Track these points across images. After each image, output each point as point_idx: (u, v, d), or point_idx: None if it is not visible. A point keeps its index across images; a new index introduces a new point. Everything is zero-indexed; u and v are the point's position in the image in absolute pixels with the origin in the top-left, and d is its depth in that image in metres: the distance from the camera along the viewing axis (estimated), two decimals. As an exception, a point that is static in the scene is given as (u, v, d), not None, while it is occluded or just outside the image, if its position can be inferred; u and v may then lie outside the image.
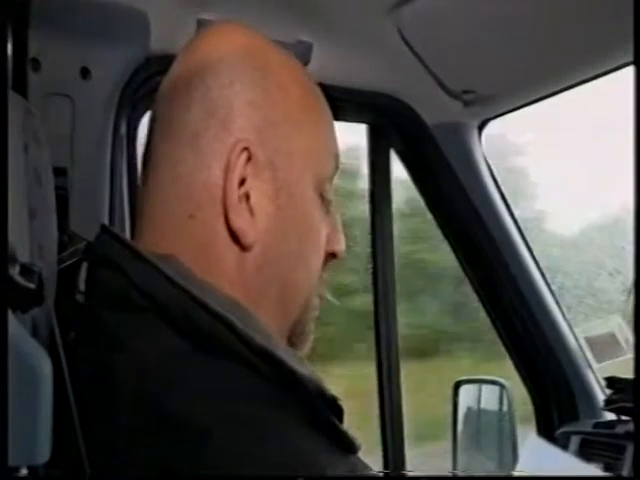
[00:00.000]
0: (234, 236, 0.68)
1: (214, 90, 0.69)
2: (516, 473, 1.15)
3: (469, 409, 1.64)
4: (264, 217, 0.69)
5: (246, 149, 0.68)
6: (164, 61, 0.75)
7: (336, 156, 0.77)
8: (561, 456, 1.20)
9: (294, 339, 0.75)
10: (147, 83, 1.22)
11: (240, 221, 0.67)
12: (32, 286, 0.54)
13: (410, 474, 1.64)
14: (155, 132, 0.72)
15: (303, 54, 1.37)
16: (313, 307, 0.76)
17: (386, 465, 1.65)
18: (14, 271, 0.53)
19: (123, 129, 1.24)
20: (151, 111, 0.75)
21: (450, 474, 1.63)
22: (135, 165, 1.29)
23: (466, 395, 1.65)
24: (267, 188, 0.69)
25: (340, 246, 0.78)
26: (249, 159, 0.68)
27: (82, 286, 0.67)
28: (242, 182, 0.68)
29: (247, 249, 0.68)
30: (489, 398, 1.62)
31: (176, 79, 0.72)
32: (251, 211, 0.68)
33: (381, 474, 0.61)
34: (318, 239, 0.74)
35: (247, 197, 0.68)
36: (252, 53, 0.72)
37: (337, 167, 0.77)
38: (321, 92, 0.77)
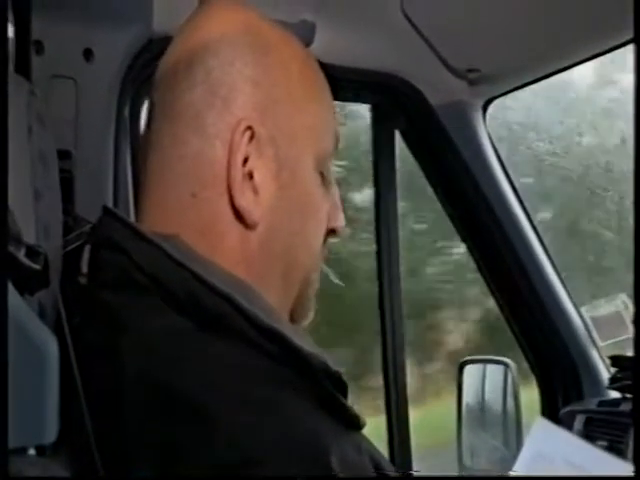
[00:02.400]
0: (238, 215, 0.68)
1: (215, 70, 0.69)
2: (517, 465, 1.15)
3: (474, 388, 1.65)
4: (267, 195, 0.69)
5: (249, 127, 0.68)
6: (167, 43, 0.75)
7: (335, 134, 0.77)
8: (569, 439, 1.21)
9: (295, 313, 0.76)
10: (150, 65, 1.21)
11: (244, 199, 0.68)
12: (38, 267, 0.54)
13: (416, 474, 1.65)
14: (156, 113, 0.72)
15: (306, 34, 1.36)
16: (314, 282, 0.78)
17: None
18: (20, 253, 0.53)
19: (126, 111, 1.23)
20: (151, 93, 0.74)
21: (456, 474, 1.64)
22: (139, 147, 1.29)
23: (470, 375, 1.65)
24: (270, 166, 0.69)
25: (340, 223, 0.79)
26: (252, 137, 0.68)
27: (85, 268, 0.67)
28: (245, 160, 0.68)
29: (251, 227, 0.69)
30: (493, 378, 1.62)
31: (176, 60, 0.72)
32: (255, 189, 0.68)
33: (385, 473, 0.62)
34: (319, 216, 0.75)
35: (250, 175, 0.68)
36: (252, 31, 0.72)
37: (336, 145, 0.78)
38: (321, 70, 0.77)
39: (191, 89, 0.69)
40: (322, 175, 0.75)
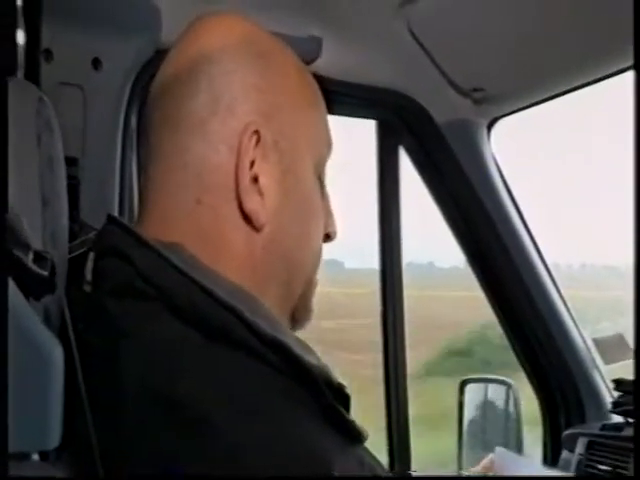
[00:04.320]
0: (245, 218, 0.69)
1: (218, 77, 0.70)
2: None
3: (475, 407, 1.64)
4: (272, 198, 0.70)
5: (256, 132, 0.69)
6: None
7: (330, 143, 0.79)
8: (530, 466, 1.21)
9: (297, 315, 0.77)
10: (157, 75, 1.23)
11: (252, 203, 0.69)
12: (45, 274, 0.54)
13: (414, 474, 1.64)
14: (158, 122, 0.72)
15: (313, 49, 1.37)
16: (314, 284, 0.79)
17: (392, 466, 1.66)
18: (28, 258, 0.53)
19: (133, 120, 1.24)
20: (149, 103, 0.75)
21: (455, 473, 1.63)
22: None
23: (472, 394, 1.64)
24: (274, 170, 0.70)
25: (334, 228, 0.81)
26: (258, 141, 0.69)
27: (89, 276, 0.67)
28: (251, 164, 0.69)
29: (258, 230, 0.70)
30: (495, 397, 1.62)
31: (177, 70, 0.72)
32: (260, 193, 0.69)
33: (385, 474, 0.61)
34: (319, 219, 0.77)
35: (256, 179, 0.69)
36: (252, 41, 0.73)
37: (330, 152, 0.79)
38: (313, 79, 0.79)
39: (194, 97, 0.70)
40: (319, 181, 0.77)
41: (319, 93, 0.79)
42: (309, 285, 0.78)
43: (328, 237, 0.80)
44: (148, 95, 0.75)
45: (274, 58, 0.74)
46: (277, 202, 0.70)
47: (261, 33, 0.75)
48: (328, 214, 0.80)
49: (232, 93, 0.70)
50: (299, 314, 0.77)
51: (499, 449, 1.32)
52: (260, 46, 0.73)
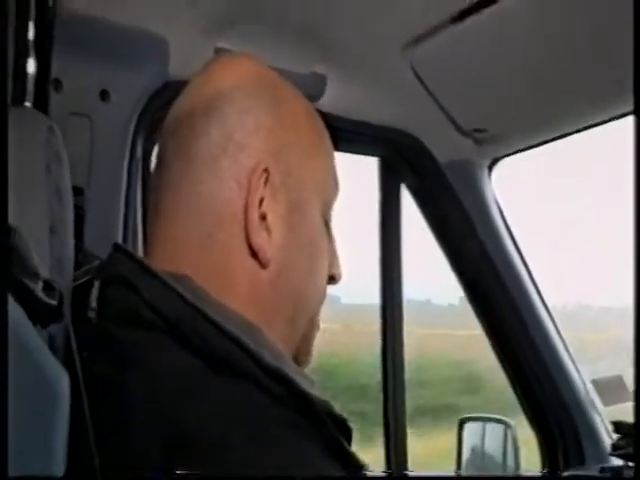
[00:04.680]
0: (252, 253, 0.70)
1: (231, 116, 0.71)
2: None
3: (473, 446, 1.63)
4: (279, 236, 0.71)
5: (266, 170, 0.70)
6: (182, 87, 0.77)
7: (337, 184, 0.81)
8: None
9: (300, 354, 0.77)
10: (165, 107, 1.22)
11: (260, 239, 0.70)
12: (54, 303, 0.54)
13: (411, 474, 1.63)
14: (169, 156, 0.74)
15: (317, 86, 1.38)
16: (317, 324, 0.80)
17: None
18: (37, 287, 0.53)
19: (139, 152, 1.25)
20: (163, 132, 0.76)
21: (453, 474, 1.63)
22: (150, 186, 1.30)
23: (470, 433, 1.64)
24: (281, 209, 0.71)
25: (339, 270, 0.82)
26: (267, 180, 0.70)
27: (94, 303, 0.67)
28: (260, 202, 0.70)
29: (264, 266, 0.70)
30: (493, 436, 1.61)
31: (192, 106, 0.74)
32: (268, 230, 0.70)
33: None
34: (324, 259, 0.78)
35: (264, 217, 0.70)
36: (264, 81, 0.75)
37: (337, 194, 0.81)
38: (322, 121, 0.80)
39: (207, 133, 0.71)
40: (325, 222, 0.78)
41: (327, 136, 0.80)
42: (312, 325, 0.78)
43: (333, 279, 0.81)
44: (160, 128, 0.76)
45: (285, 100, 0.76)
46: (283, 239, 0.71)
47: (273, 75, 0.77)
48: (333, 256, 0.81)
49: (244, 132, 0.71)
50: (301, 355, 0.77)
51: None
52: (272, 88, 0.75)
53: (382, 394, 1.72)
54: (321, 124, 0.80)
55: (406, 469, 1.69)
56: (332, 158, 0.81)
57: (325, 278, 0.78)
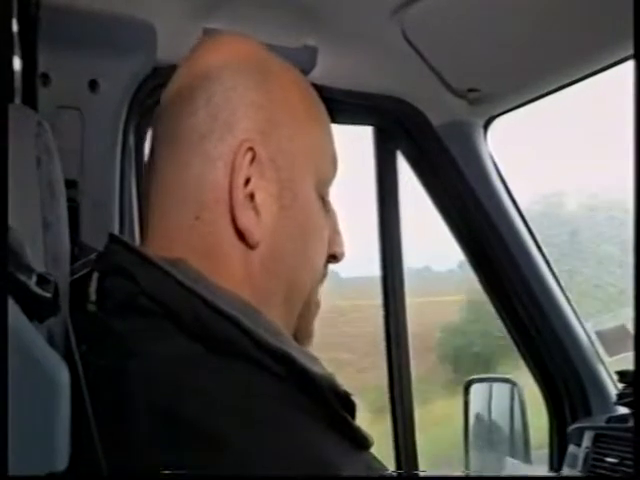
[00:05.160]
0: (240, 235, 0.69)
1: (218, 94, 0.70)
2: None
3: (480, 407, 1.64)
4: (268, 216, 0.70)
5: (251, 149, 0.69)
6: (171, 71, 0.76)
7: (334, 159, 0.79)
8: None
9: (299, 335, 0.76)
10: (154, 93, 1.23)
11: (245, 220, 0.69)
12: (48, 296, 0.54)
13: (422, 474, 1.64)
14: (159, 139, 0.74)
15: (309, 59, 1.38)
16: (316, 304, 0.79)
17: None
18: (31, 281, 0.53)
19: (131, 140, 1.25)
20: (154, 120, 0.76)
21: (462, 474, 1.63)
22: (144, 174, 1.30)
23: (477, 394, 1.64)
24: (271, 188, 0.70)
25: (340, 248, 0.80)
26: (253, 159, 0.69)
27: (93, 296, 0.68)
28: (247, 182, 0.69)
29: (253, 247, 0.70)
30: (500, 396, 1.62)
31: (179, 88, 0.73)
32: (256, 210, 0.69)
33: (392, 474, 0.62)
34: (321, 238, 0.76)
35: (252, 197, 0.69)
36: (253, 59, 0.74)
37: (335, 171, 0.79)
38: (319, 97, 0.79)
39: (193, 114, 0.70)
40: (322, 199, 0.76)
41: (324, 111, 0.78)
42: (309, 305, 0.77)
43: (334, 258, 0.79)
44: (151, 114, 0.76)
45: (275, 76, 0.74)
46: (273, 220, 0.70)
47: (262, 52, 0.76)
48: (335, 233, 0.79)
49: (230, 110, 0.70)
50: (299, 336, 0.76)
51: (510, 460, 1.32)
52: (261, 64, 0.74)
53: (386, 364, 1.73)
54: (316, 99, 0.78)
55: (414, 439, 1.70)
56: (329, 133, 0.79)
57: (322, 257, 0.77)
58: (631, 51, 1.18)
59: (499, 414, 1.61)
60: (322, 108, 0.79)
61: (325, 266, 0.78)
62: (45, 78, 1.11)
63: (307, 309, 0.77)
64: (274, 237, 0.71)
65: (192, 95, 0.71)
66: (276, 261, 0.71)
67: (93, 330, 0.66)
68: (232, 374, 0.60)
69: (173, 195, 0.71)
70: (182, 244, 0.70)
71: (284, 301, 0.73)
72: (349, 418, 0.63)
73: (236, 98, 0.70)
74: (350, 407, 0.64)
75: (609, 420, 1.53)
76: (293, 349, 0.63)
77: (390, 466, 0.75)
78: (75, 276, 0.71)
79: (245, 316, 0.63)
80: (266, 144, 0.70)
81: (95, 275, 0.69)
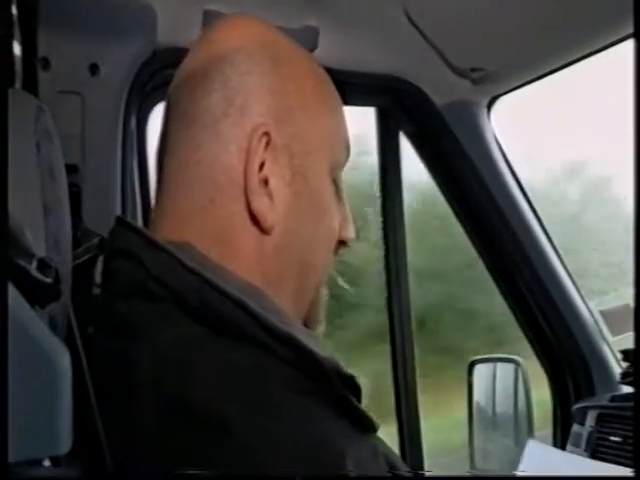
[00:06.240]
0: (253, 219, 0.69)
1: (233, 78, 0.71)
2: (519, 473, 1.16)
3: (484, 388, 1.64)
4: (282, 201, 0.70)
5: (266, 134, 0.69)
6: (172, 54, 0.76)
7: (347, 145, 0.79)
8: (564, 458, 1.21)
9: (309, 320, 0.77)
10: (155, 76, 1.23)
11: (260, 204, 0.69)
12: (49, 281, 0.55)
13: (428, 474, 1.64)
14: (172, 120, 0.74)
15: (310, 39, 1.37)
16: (325, 289, 0.79)
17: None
18: (31, 266, 0.53)
19: (132, 123, 1.25)
20: (166, 101, 0.76)
21: (468, 473, 1.64)
22: (145, 159, 1.31)
23: (481, 374, 1.64)
24: (284, 172, 0.71)
25: (350, 234, 0.80)
26: (268, 144, 0.70)
27: (99, 278, 0.68)
28: (261, 166, 0.69)
29: (266, 232, 0.70)
30: (504, 376, 1.62)
31: (193, 69, 0.73)
32: (270, 195, 0.70)
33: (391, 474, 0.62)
34: (332, 223, 0.76)
35: (266, 181, 0.70)
36: (268, 44, 0.74)
37: (348, 156, 0.79)
38: (331, 82, 0.79)
39: (208, 96, 0.71)
40: (334, 184, 0.76)
41: (337, 98, 0.79)
42: (319, 292, 0.78)
43: (344, 243, 0.79)
44: (152, 97, 0.76)
45: (290, 61, 0.74)
46: (287, 204, 0.71)
47: (277, 36, 0.76)
48: (345, 219, 0.79)
49: (245, 95, 0.70)
50: (310, 321, 0.77)
51: (533, 441, 1.32)
52: (275, 49, 0.74)
53: (390, 351, 1.73)
54: (330, 84, 0.78)
55: (418, 427, 1.70)
56: (342, 119, 0.79)
57: (332, 242, 0.77)
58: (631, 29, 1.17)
59: (503, 394, 1.61)
60: (335, 93, 0.79)
61: (335, 252, 0.79)
62: (45, 62, 1.10)
63: (317, 295, 0.77)
64: (287, 222, 0.71)
65: (207, 77, 0.71)
66: (289, 246, 0.72)
67: (98, 313, 0.67)
68: (238, 357, 0.60)
69: (186, 176, 0.71)
70: (194, 227, 0.70)
71: (296, 286, 0.74)
72: (355, 401, 0.63)
73: (251, 82, 0.71)
74: (356, 390, 0.64)
75: (613, 399, 1.53)
76: (300, 332, 0.64)
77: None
78: (78, 260, 0.71)
79: (252, 299, 0.63)
80: (281, 129, 0.71)
81: (101, 258, 0.69)
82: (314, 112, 0.74)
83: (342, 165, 0.78)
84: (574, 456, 1.22)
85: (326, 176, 0.75)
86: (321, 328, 0.79)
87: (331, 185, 0.76)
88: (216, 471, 0.55)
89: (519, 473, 1.19)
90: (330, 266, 0.79)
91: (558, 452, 1.23)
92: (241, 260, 0.69)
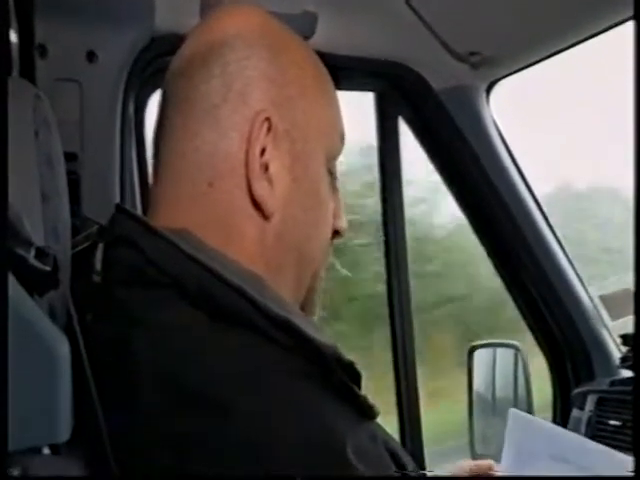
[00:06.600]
0: (255, 205, 0.70)
1: (232, 64, 0.71)
2: (503, 466, 1.17)
3: (484, 373, 1.64)
4: (282, 187, 0.71)
5: (267, 119, 0.69)
6: (169, 41, 0.76)
7: (342, 135, 0.79)
8: (548, 430, 1.22)
9: (305, 307, 0.77)
10: (153, 63, 1.22)
11: (261, 189, 0.69)
12: (47, 269, 0.55)
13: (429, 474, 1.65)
14: (169, 107, 0.73)
15: (309, 24, 1.36)
16: (322, 277, 0.79)
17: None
18: (29, 255, 0.53)
19: (131, 110, 1.24)
20: (163, 87, 0.75)
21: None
22: (144, 146, 1.30)
23: (480, 359, 1.64)
24: (285, 159, 0.71)
25: (343, 224, 0.80)
26: (269, 129, 0.70)
27: (98, 266, 0.68)
28: (262, 152, 0.69)
29: (267, 218, 0.70)
30: (503, 361, 1.62)
31: (192, 55, 0.73)
32: (270, 180, 0.70)
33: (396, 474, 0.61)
34: (328, 211, 0.77)
35: (266, 167, 0.70)
36: (267, 31, 0.74)
37: (343, 146, 0.80)
38: (328, 73, 0.79)
39: (206, 82, 0.70)
40: (330, 173, 0.77)
41: (333, 88, 0.79)
42: (316, 278, 0.78)
43: (337, 233, 0.80)
44: (150, 83, 0.75)
45: (288, 50, 0.74)
46: (287, 190, 0.71)
47: (276, 25, 0.76)
48: (338, 208, 0.79)
49: (244, 81, 0.70)
50: (306, 308, 0.77)
51: (514, 411, 1.33)
52: (275, 37, 0.74)
53: (390, 337, 1.74)
54: (326, 74, 0.78)
55: (418, 413, 1.71)
56: (338, 110, 0.79)
57: (328, 230, 0.78)
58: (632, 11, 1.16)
59: (503, 379, 1.61)
60: (332, 84, 0.79)
61: (330, 241, 0.79)
62: (42, 50, 1.10)
63: (315, 282, 0.78)
64: (287, 208, 0.71)
65: (205, 63, 0.71)
66: (288, 233, 0.72)
67: (98, 300, 0.67)
68: (236, 343, 0.61)
69: (184, 163, 0.71)
70: (193, 211, 0.70)
71: (295, 272, 0.74)
72: (354, 387, 0.63)
73: (250, 69, 0.71)
74: (355, 376, 0.64)
75: (612, 383, 1.54)
76: (298, 318, 0.64)
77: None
78: (78, 248, 0.71)
79: (250, 285, 0.63)
80: (281, 116, 0.71)
81: (100, 245, 0.69)
82: (313, 102, 0.74)
83: (337, 155, 0.79)
84: (559, 432, 1.22)
85: (323, 165, 0.75)
86: (316, 314, 0.80)
87: (327, 174, 0.76)
88: (216, 470, 0.55)
89: (505, 450, 1.19)
90: (326, 254, 0.79)
91: (543, 426, 1.23)
92: (242, 246, 0.69)
